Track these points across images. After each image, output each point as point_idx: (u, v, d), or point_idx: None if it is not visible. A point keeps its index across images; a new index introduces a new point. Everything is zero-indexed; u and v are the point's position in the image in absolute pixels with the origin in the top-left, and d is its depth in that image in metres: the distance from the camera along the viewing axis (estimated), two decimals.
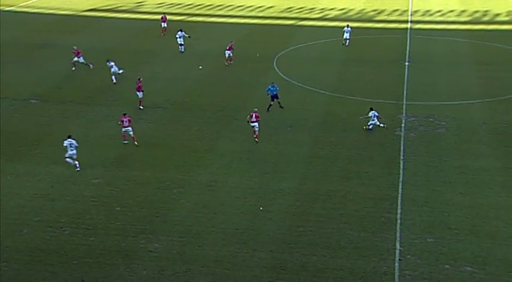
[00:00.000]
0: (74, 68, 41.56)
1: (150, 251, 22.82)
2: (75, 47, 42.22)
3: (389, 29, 54.17)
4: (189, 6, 63.44)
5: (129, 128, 30.83)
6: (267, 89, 35.20)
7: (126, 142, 30.96)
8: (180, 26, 50.02)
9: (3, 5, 60.54)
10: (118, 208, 25.59)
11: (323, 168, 28.60)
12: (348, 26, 49.21)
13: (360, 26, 54.50)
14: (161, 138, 32.24)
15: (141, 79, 36.21)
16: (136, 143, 30.79)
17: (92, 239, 23.49)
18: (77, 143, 28.64)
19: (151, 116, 34.96)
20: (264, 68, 42.89)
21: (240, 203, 25.85)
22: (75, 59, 41.76)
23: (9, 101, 36.37)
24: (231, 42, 44.21)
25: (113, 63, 40.09)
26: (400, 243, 23.11)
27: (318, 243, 23.18)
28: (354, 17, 58.39)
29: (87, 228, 24.12)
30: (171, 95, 38.40)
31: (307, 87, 39.30)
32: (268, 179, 27.61)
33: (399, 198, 26.04)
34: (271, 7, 63.01)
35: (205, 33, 52.25)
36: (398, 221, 24.51)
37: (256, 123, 30.81)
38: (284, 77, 41.12)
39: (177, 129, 33.35)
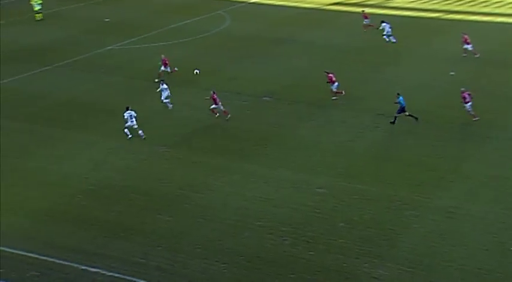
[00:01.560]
0: (156, 80, 38.19)
1: (374, 278, 21.77)
2: (162, 56, 39.90)
3: None
4: (447, 2, 60.61)
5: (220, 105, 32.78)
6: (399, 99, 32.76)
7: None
8: (435, 24, 47.78)
9: None
10: (342, 224, 24.97)
11: None
12: None
13: None
14: (396, 152, 30.96)
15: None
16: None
17: (311, 253, 23.19)
18: (136, 113, 30.84)
19: (388, 126, 33.81)
20: None
21: (485, 238, 23.50)
22: (162, 68, 39.28)
23: (243, 97, 38.02)
24: None
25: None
26: None
27: None
28: None
29: (308, 241, 23.88)
30: (412, 103, 36.73)
31: None
32: None
33: None
34: None
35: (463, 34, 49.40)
36: None
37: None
38: None
39: (415, 142, 31.75)
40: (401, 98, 33.48)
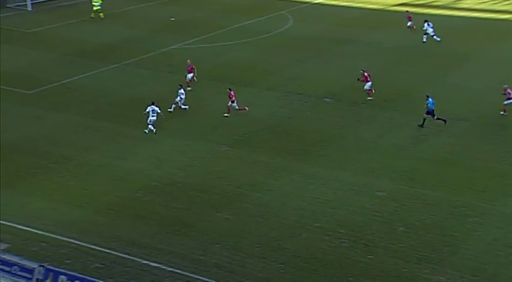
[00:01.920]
0: (189, 88, 37.60)
1: None
2: (188, 61, 38.96)
3: None
4: None
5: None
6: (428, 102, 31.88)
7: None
8: (505, 26, 46.53)
9: None
10: (402, 228, 24.63)
11: None
12: None
13: None
14: (461, 156, 30.29)
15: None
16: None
17: (370, 256, 22.97)
18: (160, 109, 31.42)
19: (453, 129, 33.12)
20: None
21: None
22: (190, 76, 38.41)
23: (304, 97, 37.97)
24: None
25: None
26: None
27: None
28: None
29: (367, 244, 23.67)
30: (479, 106, 35.92)
31: None
32: None
33: None
34: None
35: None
36: None
37: None
38: None
39: (481, 147, 31.00)
40: (430, 99, 32.64)
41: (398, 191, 27.27)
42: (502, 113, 34.35)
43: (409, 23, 50.56)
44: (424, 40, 47.71)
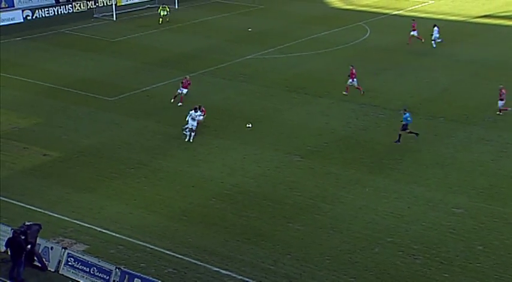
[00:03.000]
0: (180, 104, 36.78)
1: None
2: (187, 77, 38.46)
3: None
4: None
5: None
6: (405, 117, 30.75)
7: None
8: None
9: (391, 9, 62.92)
10: (480, 247, 23.66)
11: None
12: None
13: None
14: None
15: (187, 77, 37.65)
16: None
17: (445, 275, 22.19)
18: (201, 115, 31.37)
19: None
20: None
21: None
22: (180, 91, 37.07)
23: (379, 110, 37.28)
24: None
25: None
26: None
27: None
28: None
29: (442, 262, 22.86)
30: None
31: None
32: None
33: None
34: None
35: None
36: None
37: None
38: None
39: None
40: (407, 114, 31.42)
41: (477, 209, 26.24)
42: (497, 113, 34.76)
43: (412, 33, 49.11)
44: (434, 46, 48.12)
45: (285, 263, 22.92)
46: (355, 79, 38.45)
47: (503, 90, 35.29)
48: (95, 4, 62.86)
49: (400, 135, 32.14)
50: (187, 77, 38.94)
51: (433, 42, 48.36)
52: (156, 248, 23.65)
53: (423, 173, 29.40)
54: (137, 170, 30.06)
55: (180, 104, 37.43)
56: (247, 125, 33.63)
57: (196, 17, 60.65)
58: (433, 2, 65.65)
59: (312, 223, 25.46)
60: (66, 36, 53.88)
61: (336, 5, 64.38)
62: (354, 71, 38.37)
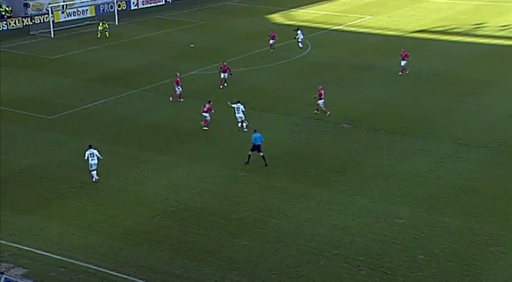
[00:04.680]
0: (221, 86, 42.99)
1: None
2: (225, 63, 43.61)
3: None
4: None
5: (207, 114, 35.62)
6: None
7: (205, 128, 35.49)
8: None
9: (331, 24, 64.13)
10: (422, 256, 24.27)
11: None
12: None
13: None
14: (481, 184, 29.91)
15: (178, 74, 40.72)
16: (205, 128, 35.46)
17: None
18: (99, 153, 29.72)
19: (473, 156, 32.78)
20: None
21: None
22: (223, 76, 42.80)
23: (322, 123, 37.86)
24: None
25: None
26: None
27: None
28: None
29: (386, 272, 23.34)
30: (500, 134, 35.54)
31: None
32: None
33: None
34: None
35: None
36: None
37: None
38: None
39: (503, 175, 30.60)
40: (258, 134, 31.73)
41: (418, 219, 26.92)
42: (315, 111, 37.87)
43: (271, 41, 53.10)
44: (301, 46, 52.79)
45: (232, 279, 22.94)
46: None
47: (321, 91, 37.95)
48: (31, 21, 61.59)
49: (249, 156, 31.70)
50: (225, 62, 44.14)
51: (299, 43, 53.02)
52: (99, 269, 23.30)
53: (366, 185, 29.99)
54: (79, 189, 29.57)
55: (221, 86, 43.45)
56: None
57: (137, 33, 60.35)
58: (370, 17, 67.29)
59: (259, 238, 25.59)
60: (0, 54, 52.64)
61: (277, 21, 65.20)
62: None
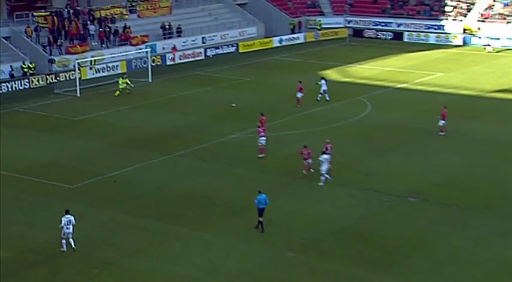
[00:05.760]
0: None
1: None
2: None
3: None
4: None
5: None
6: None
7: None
8: None
9: (394, 82, 64.18)
10: None
11: None
12: None
13: None
14: None
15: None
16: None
17: None
18: (75, 220, 29.95)
19: None
20: None
21: None
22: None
23: (384, 196, 37.37)
24: None
25: None
26: None
27: None
28: None
29: None
30: None
31: None
32: None
33: None
34: None
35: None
36: None
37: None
38: None
39: None
40: (262, 196, 31.96)
41: None
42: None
43: (298, 95, 54.82)
44: (328, 98, 55.38)
45: None
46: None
47: (328, 146, 39.20)
48: (55, 78, 63.49)
49: (260, 221, 32.36)
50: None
51: (326, 95, 55.37)
52: None
53: (437, 271, 29.23)
54: (101, 270, 29.59)
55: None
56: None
57: (173, 91, 61.58)
58: (441, 74, 67.21)
59: None
60: (20, 115, 54.33)
61: (332, 77, 65.64)
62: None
